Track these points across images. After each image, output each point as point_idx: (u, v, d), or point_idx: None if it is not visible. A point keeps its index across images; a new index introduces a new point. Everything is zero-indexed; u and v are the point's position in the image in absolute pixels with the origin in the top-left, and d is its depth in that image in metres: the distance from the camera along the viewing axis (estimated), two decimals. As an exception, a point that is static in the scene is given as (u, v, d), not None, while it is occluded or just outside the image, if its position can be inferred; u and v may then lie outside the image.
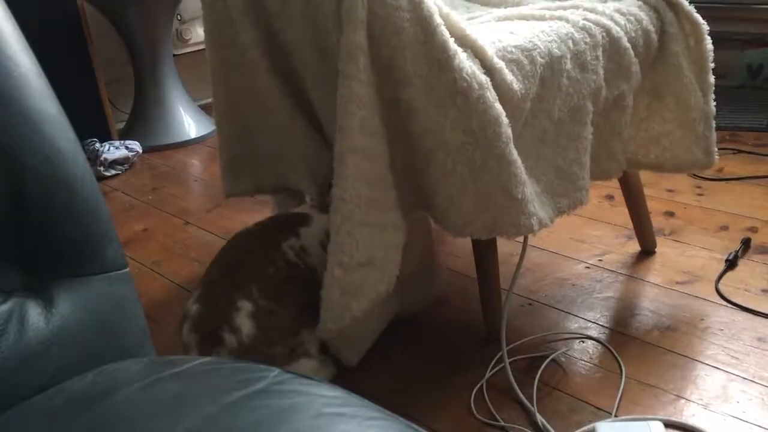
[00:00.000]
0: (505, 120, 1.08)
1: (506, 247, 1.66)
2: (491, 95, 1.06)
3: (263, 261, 1.18)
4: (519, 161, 1.11)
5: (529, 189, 1.15)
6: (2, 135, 0.59)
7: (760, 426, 1.10)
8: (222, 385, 0.52)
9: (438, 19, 1.03)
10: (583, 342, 1.34)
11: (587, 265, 1.60)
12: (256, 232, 1.26)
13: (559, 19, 1.24)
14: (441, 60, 1.03)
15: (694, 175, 1.98)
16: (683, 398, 1.17)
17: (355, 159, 1.05)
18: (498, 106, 1.07)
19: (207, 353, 1.12)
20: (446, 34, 1.04)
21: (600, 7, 1.30)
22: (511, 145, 1.10)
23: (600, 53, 1.24)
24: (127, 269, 0.69)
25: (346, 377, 1.28)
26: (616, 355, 1.29)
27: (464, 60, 1.05)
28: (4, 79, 0.59)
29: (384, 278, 1.11)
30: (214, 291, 1.16)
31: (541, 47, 1.15)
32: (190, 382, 0.53)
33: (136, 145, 2.50)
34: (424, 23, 1.02)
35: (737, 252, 1.58)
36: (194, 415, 0.47)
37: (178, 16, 2.75)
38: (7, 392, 0.56)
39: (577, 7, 1.30)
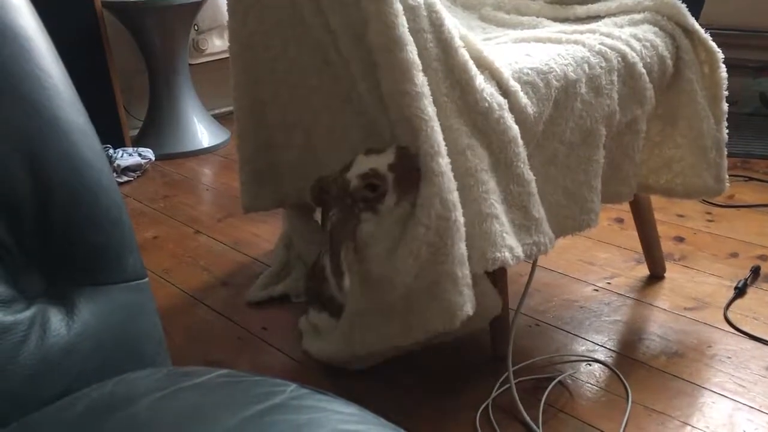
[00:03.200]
0: (521, 140, 1.09)
1: (514, 267, 1.66)
2: (509, 116, 1.08)
3: None
4: (534, 181, 1.12)
5: (542, 209, 1.16)
6: (32, 144, 0.60)
7: (766, 456, 1.10)
8: (240, 398, 0.52)
9: (458, 41, 1.04)
10: (590, 365, 1.34)
11: (596, 288, 1.60)
12: None
13: (576, 42, 1.25)
14: (462, 81, 1.04)
15: (705, 201, 1.98)
16: (689, 425, 1.17)
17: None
18: (515, 126, 1.08)
19: None
20: (467, 55, 1.05)
21: (616, 32, 1.31)
22: (527, 165, 1.11)
23: (615, 78, 1.25)
24: (146, 279, 0.70)
25: (350, 393, 1.28)
26: (623, 379, 1.29)
27: (483, 81, 1.07)
28: (37, 91, 0.61)
29: None
30: None
31: (557, 70, 1.16)
32: (210, 394, 0.54)
33: (148, 153, 2.51)
34: (445, 45, 1.03)
35: (746, 280, 1.57)
36: (213, 427, 0.48)
37: (196, 26, 2.77)
38: (28, 398, 0.57)
39: (593, 32, 1.31)
